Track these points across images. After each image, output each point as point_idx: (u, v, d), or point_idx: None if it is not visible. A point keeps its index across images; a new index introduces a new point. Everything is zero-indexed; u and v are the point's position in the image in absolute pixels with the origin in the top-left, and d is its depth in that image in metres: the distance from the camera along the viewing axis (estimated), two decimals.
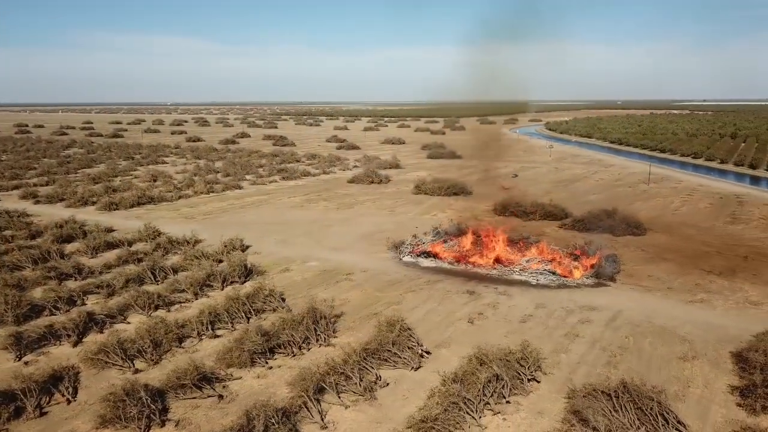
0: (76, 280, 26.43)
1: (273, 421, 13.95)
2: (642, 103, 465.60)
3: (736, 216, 40.93)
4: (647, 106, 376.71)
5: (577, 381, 16.82)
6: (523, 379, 16.55)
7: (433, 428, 14.12)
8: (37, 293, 24.24)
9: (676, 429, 14.26)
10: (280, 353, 18.86)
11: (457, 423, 14.39)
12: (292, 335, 19.22)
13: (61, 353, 19.19)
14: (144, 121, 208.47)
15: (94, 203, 45.70)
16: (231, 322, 21.23)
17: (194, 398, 16.10)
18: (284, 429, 13.93)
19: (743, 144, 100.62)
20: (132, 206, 44.63)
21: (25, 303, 22.10)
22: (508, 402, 15.77)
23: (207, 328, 20.57)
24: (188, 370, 16.43)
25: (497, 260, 28.02)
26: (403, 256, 30.00)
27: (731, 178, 65.04)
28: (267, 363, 18.16)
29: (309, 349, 19.27)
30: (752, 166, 71.62)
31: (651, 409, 14.44)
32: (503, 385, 15.95)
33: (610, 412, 14.39)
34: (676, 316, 22.11)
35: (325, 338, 19.81)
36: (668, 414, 14.46)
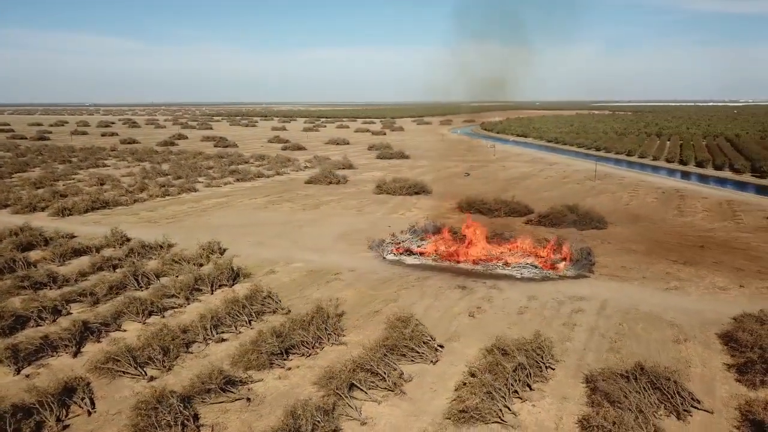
0: (51, 288, 25.17)
1: (318, 419, 13.98)
2: (562, 104, 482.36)
3: (682, 209, 43.72)
4: (567, 107, 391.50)
5: (588, 366, 17.73)
6: (542, 368, 17.27)
7: (473, 417, 14.58)
8: (14, 303, 22.88)
9: (692, 406, 15.36)
10: (295, 354, 18.79)
11: (493, 411, 14.89)
12: (304, 336, 19.18)
13: (62, 364, 18.34)
14: (67, 122, 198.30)
15: (43, 209, 43.33)
16: (234, 326, 20.92)
17: (222, 402, 15.85)
18: (329, 428, 13.99)
19: (668, 142, 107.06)
20: (86, 211, 42.66)
21: (8, 314, 20.91)
22: (532, 389, 16.44)
23: (211, 332, 20.19)
24: (213, 374, 16.14)
25: (483, 257, 28.79)
26: (386, 255, 30.30)
27: (665, 173, 69.25)
28: (285, 364, 18.06)
29: (322, 349, 19.30)
30: (682, 162, 76.60)
31: (668, 388, 15.47)
32: (527, 374, 16.61)
33: (633, 393, 15.30)
34: (658, 303, 23.54)
35: (335, 337, 19.88)
36: (683, 392, 15.55)
